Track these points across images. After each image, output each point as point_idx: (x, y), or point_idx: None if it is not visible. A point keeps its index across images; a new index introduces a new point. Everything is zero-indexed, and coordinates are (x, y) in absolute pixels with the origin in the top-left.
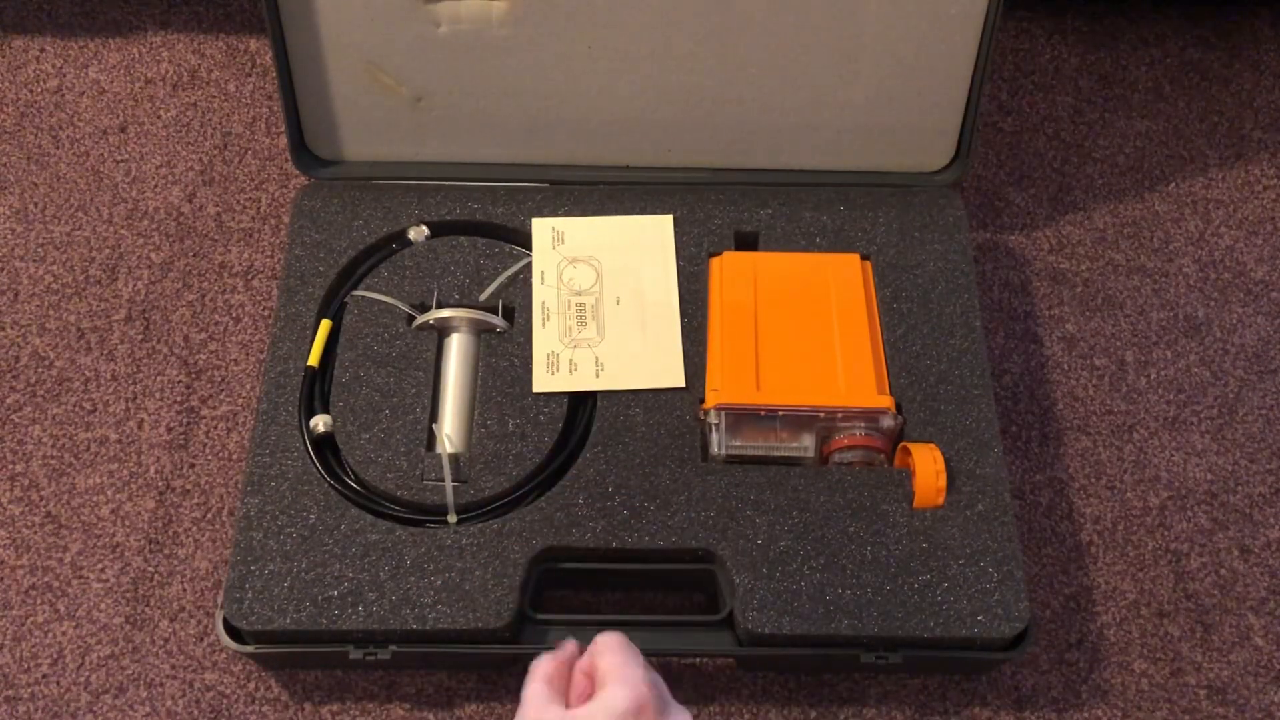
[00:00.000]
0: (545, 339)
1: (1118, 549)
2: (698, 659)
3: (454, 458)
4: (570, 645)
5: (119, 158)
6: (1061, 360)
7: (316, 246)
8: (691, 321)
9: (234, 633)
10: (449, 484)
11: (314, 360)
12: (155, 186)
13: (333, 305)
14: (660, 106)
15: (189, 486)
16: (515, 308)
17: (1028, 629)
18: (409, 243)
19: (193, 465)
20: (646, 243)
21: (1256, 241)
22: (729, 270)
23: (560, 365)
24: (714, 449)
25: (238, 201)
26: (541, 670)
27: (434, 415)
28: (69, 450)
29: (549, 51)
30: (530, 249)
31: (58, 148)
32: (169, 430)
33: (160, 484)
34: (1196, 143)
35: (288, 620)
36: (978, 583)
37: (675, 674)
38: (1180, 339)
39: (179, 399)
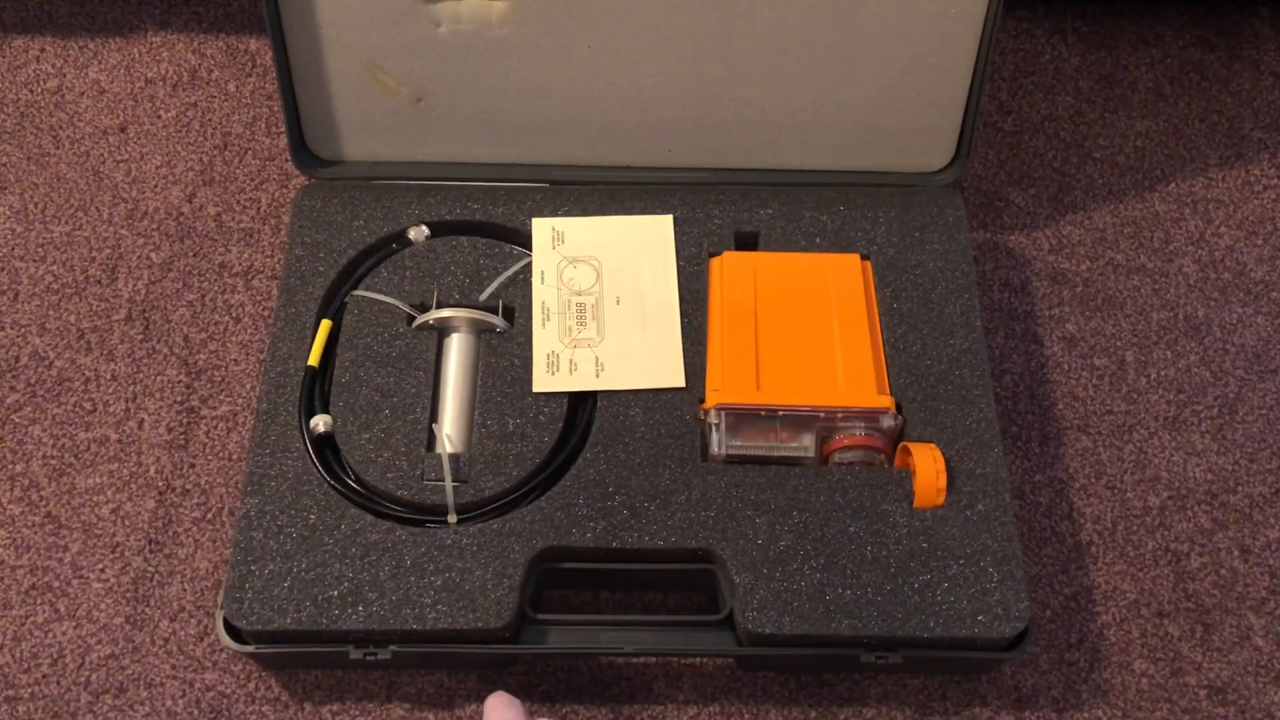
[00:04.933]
0: (545, 339)
1: (1118, 549)
2: (698, 659)
3: (454, 458)
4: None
5: (119, 158)
6: (1061, 360)
7: (316, 246)
8: (691, 321)
9: (234, 633)
10: (449, 484)
11: (314, 360)
12: (155, 186)
13: (333, 305)
14: (660, 106)
15: (189, 486)
16: (515, 308)
17: (1028, 629)
18: (409, 243)
19: (193, 465)
20: (646, 243)
21: (1256, 241)
22: (729, 270)
23: (560, 365)
24: (714, 449)
25: (238, 201)
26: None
27: (434, 415)
28: (69, 450)
29: (549, 51)
30: (530, 249)
31: (58, 148)
32: (169, 430)
33: (160, 484)
34: (1196, 143)
35: (288, 620)
36: (978, 583)
37: (675, 674)
38: (1180, 339)
39: (179, 399)
